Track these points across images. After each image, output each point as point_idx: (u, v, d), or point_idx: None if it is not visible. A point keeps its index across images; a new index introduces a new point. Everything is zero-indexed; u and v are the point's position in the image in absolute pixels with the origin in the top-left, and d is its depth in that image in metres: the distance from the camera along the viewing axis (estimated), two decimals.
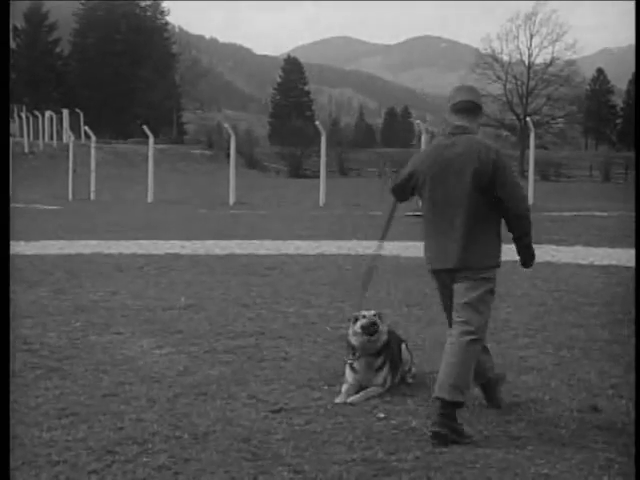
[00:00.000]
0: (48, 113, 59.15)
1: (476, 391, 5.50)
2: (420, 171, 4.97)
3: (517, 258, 5.05)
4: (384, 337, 5.52)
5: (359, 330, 5.46)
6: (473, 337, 4.74)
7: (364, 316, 5.50)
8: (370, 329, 5.44)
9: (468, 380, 4.75)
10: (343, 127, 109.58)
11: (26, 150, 53.53)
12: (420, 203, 5.14)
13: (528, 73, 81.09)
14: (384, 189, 5.32)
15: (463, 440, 4.50)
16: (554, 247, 13.81)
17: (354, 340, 5.51)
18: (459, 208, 4.80)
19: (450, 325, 4.92)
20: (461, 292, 4.81)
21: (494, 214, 4.86)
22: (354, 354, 5.51)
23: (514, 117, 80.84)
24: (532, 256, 5.03)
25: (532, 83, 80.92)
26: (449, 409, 4.60)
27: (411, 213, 22.55)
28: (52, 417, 4.93)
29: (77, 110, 59.74)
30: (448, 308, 4.97)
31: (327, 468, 4.14)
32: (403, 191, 5.23)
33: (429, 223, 4.97)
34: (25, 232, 15.83)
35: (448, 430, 4.50)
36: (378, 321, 5.52)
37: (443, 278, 4.94)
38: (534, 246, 5.05)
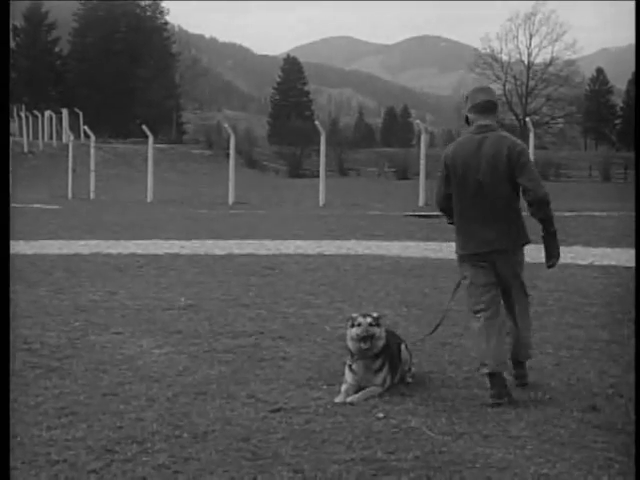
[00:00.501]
0: (48, 113, 59.14)
1: (475, 390, 5.52)
2: (457, 167, 5.44)
3: (542, 257, 5.43)
4: (381, 342, 5.48)
5: (354, 336, 5.45)
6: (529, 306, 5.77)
7: (359, 324, 5.46)
8: (365, 339, 5.41)
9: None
10: (342, 127, 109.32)
11: (25, 150, 53.54)
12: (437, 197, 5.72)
13: (527, 73, 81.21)
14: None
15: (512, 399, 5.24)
16: None
17: (350, 345, 5.50)
18: (498, 197, 5.36)
19: (478, 307, 5.45)
20: (508, 269, 5.47)
21: (519, 201, 5.50)
22: (352, 356, 5.51)
23: (513, 117, 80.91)
24: (558, 249, 5.45)
25: (531, 83, 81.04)
26: (503, 379, 5.31)
27: (411, 213, 22.60)
28: (52, 416, 4.93)
29: (76, 110, 59.74)
30: (479, 289, 5.43)
31: (326, 467, 4.14)
32: (446, 198, 5.61)
33: (468, 212, 5.45)
34: (25, 232, 15.83)
35: (507, 398, 5.20)
36: (374, 329, 5.45)
37: (478, 260, 5.42)
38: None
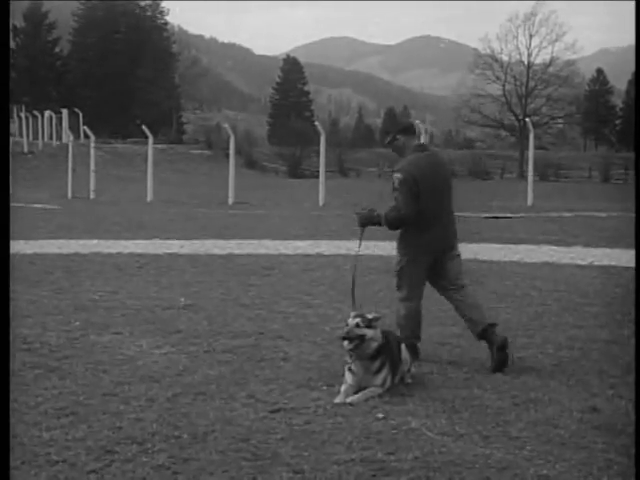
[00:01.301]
0: (47, 113, 59.14)
1: (475, 391, 5.51)
2: (424, 180, 6.22)
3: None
4: (374, 344, 5.45)
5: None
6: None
7: (347, 324, 5.47)
8: (347, 339, 5.39)
9: None
10: (342, 127, 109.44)
11: (25, 150, 53.53)
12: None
13: (527, 73, 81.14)
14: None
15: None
16: (553, 247, 13.79)
17: (344, 345, 5.50)
18: (450, 204, 6.47)
19: (420, 297, 6.70)
20: (455, 263, 6.49)
21: None
22: (351, 356, 5.50)
23: (513, 117, 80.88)
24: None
25: (531, 83, 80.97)
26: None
27: None
28: (51, 416, 4.92)
29: (76, 110, 59.71)
30: (421, 283, 6.63)
31: (326, 468, 4.14)
32: (417, 212, 6.24)
33: (433, 216, 6.28)
34: (25, 232, 15.82)
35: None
36: (361, 330, 5.42)
37: (431, 258, 6.43)
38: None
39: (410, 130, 6.54)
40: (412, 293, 6.55)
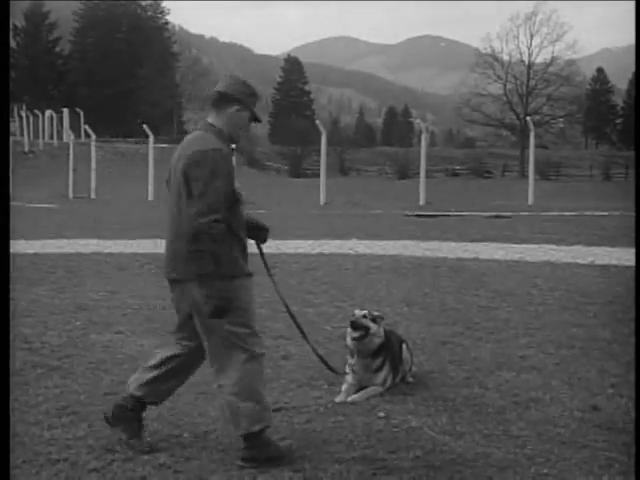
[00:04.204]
0: (48, 112, 59.20)
1: (476, 390, 5.52)
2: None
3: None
4: (377, 340, 5.47)
5: (349, 329, 5.48)
6: None
7: (353, 314, 5.52)
8: (355, 326, 5.42)
9: None
10: (343, 127, 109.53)
11: (26, 149, 53.59)
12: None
13: (528, 73, 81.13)
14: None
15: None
16: (554, 247, 13.79)
17: (347, 339, 5.52)
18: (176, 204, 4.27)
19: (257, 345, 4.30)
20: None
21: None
22: (352, 355, 5.51)
23: (514, 117, 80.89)
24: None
25: (532, 83, 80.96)
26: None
27: (411, 213, 22.60)
28: (52, 416, 4.93)
29: (77, 109, 59.76)
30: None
31: (327, 467, 4.14)
32: None
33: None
34: (25, 231, 15.83)
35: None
36: (367, 322, 5.46)
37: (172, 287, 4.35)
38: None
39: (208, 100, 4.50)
40: None
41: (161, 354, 4.50)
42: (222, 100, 4.29)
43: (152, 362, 4.47)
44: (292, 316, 4.76)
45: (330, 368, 5.15)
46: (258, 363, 4.22)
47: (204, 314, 4.11)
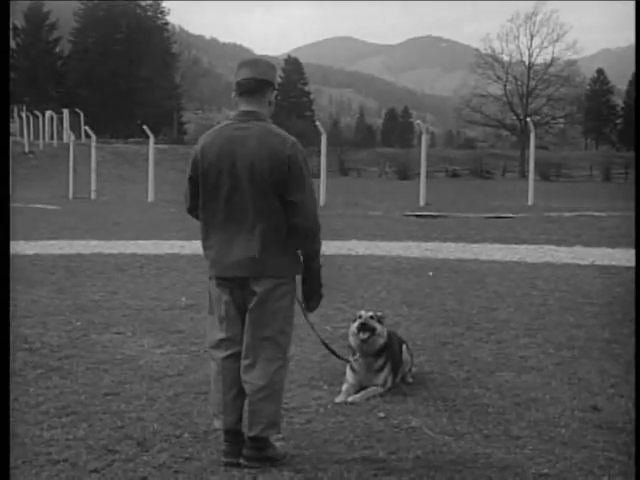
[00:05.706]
0: (48, 113, 59.12)
1: (476, 390, 5.51)
2: (205, 167, 4.15)
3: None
4: (381, 340, 5.49)
5: (355, 330, 5.48)
6: None
7: (360, 316, 5.52)
8: (363, 327, 5.43)
9: None
10: (343, 127, 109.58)
11: (26, 150, 53.49)
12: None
13: (528, 73, 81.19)
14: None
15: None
16: (554, 247, 13.79)
17: (351, 340, 5.53)
18: (251, 210, 4.10)
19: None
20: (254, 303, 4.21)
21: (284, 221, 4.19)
22: (353, 354, 5.52)
23: (514, 117, 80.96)
24: (319, 291, 4.34)
25: (532, 83, 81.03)
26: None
27: (412, 213, 22.59)
28: (52, 416, 4.93)
29: (77, 110, 59.72)
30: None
31: (327, 467, 4.14)
32: (195, 208, 4.30)
33: (217, 224, 4.20)
34: (25, 232, 15.83)
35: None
36: (374, 323, 5.48)
37: (231, 286, 4.32)
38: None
39: (238, 87, 4.22)
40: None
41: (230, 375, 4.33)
42: (266, 86, 4.22)
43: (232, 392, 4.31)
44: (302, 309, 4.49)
45: (338, 356, 5.33)
46: (286, 370, 4.32)
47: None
